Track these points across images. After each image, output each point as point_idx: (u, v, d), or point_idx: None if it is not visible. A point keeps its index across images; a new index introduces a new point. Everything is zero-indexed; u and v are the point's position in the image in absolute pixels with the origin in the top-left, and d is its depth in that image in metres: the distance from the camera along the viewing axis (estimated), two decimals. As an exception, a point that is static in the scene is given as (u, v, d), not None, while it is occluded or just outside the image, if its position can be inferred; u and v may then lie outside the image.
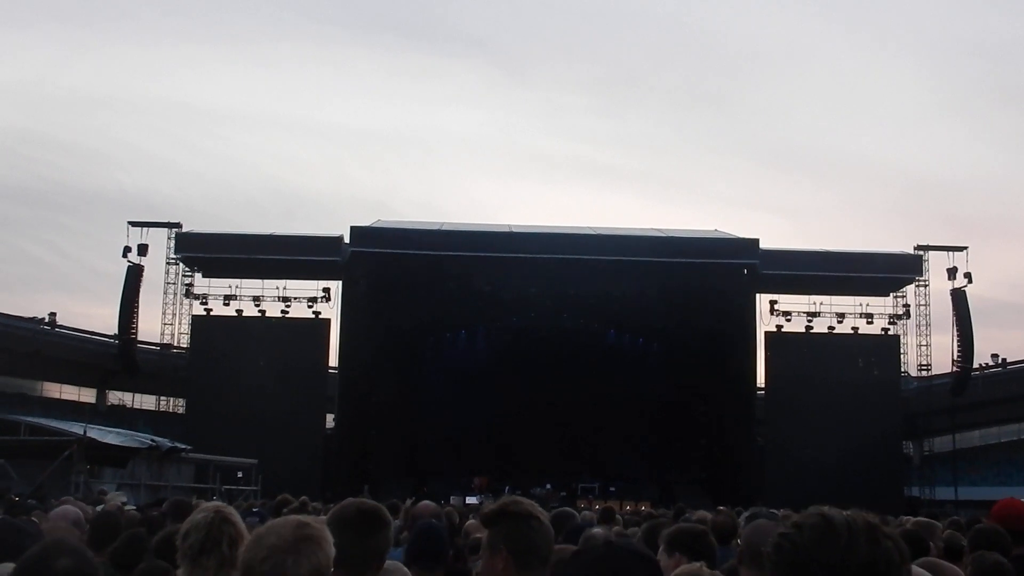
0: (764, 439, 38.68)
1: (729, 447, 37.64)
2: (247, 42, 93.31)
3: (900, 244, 44.88)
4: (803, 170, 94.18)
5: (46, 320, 42.39)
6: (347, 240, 37.26)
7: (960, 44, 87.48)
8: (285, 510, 7.02)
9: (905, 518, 11.38)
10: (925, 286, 40.29)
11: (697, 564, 4.32)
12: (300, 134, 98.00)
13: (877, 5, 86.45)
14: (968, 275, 38.76)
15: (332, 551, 2.73)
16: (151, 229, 38.80)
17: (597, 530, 5.39)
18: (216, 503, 4.44)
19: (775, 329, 39.32)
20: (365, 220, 39.84)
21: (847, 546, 1.94)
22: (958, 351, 39.16)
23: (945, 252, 39.45)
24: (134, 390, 45.10)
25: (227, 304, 38.85)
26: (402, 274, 36.94)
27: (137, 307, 38.70)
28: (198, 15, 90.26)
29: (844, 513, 2.03)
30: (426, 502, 8.79)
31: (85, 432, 22.88)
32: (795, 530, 2.02)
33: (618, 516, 12.33)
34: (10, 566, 3.31)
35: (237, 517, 4.16)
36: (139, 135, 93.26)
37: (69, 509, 5.63)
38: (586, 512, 13.63)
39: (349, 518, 3.35)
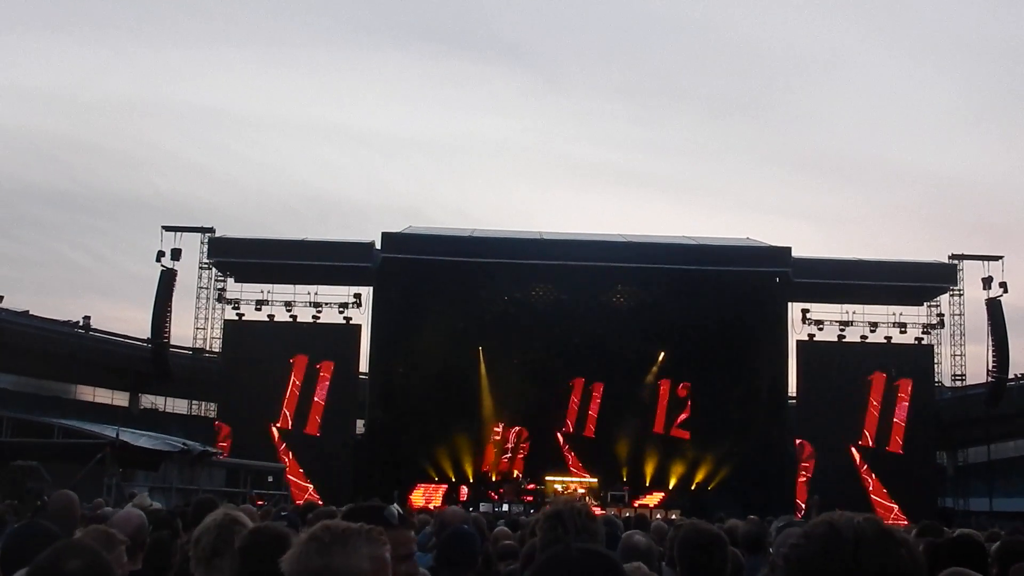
0: (795, 448, 38.49)
1: (761, 456, 37.40)
2: (283, 48, 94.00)
3: (935, 253, 44.41)
4: (836, 178, 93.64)
5: (80, 324, 42.76)
6: (379, 246, 37.39)
7: (996, 49, 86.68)
8: (310, 515, 7.04)
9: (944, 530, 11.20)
10: (960, 295, 39.88)
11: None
12: (334, 139, 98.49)
13: (912, 11, 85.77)
14: (1004, 284, 38.33)
15: (361, 563, 2.66)
16: (184, 234, 39.05)
17: (638, 536, 5.35)
18: (225, 507, 4.39)
19: (807, 338, 39.06)
20: (398, 226, 40.03)
21: (855, 555, 1.89)
22: (993, 361, 38.71)
23: (980, 261, 39.04)
24: (167, 394, 45.40)
25: (259, 309, 39.05)
26: (433, 280, 37.01)
27: (170, 311, 38.89)
28: (234, 21, 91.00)
29: (856, 520, 1.97)
30: (454, 508, 8.79)
31: (118, 435, 23.05)
32: (804, 540, 1.98)
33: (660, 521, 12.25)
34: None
35: (246, 519, 4.15)
36: (174, 140, 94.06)
37: (133, 513, 5.63)
38: (616, 520, 13.57)
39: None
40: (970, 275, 39.28)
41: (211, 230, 39.40)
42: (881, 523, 1.97)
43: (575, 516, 3.61)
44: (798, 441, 38.35)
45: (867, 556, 1.89)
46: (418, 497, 36.92)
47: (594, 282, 38.05)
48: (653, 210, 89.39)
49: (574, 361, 39.66)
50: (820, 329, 39.15)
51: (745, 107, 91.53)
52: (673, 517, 25.79)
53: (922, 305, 39.82)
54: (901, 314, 39.39)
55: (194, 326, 40.39)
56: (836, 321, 39.16)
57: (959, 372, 40.41)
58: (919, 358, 39.18)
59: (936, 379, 39.55)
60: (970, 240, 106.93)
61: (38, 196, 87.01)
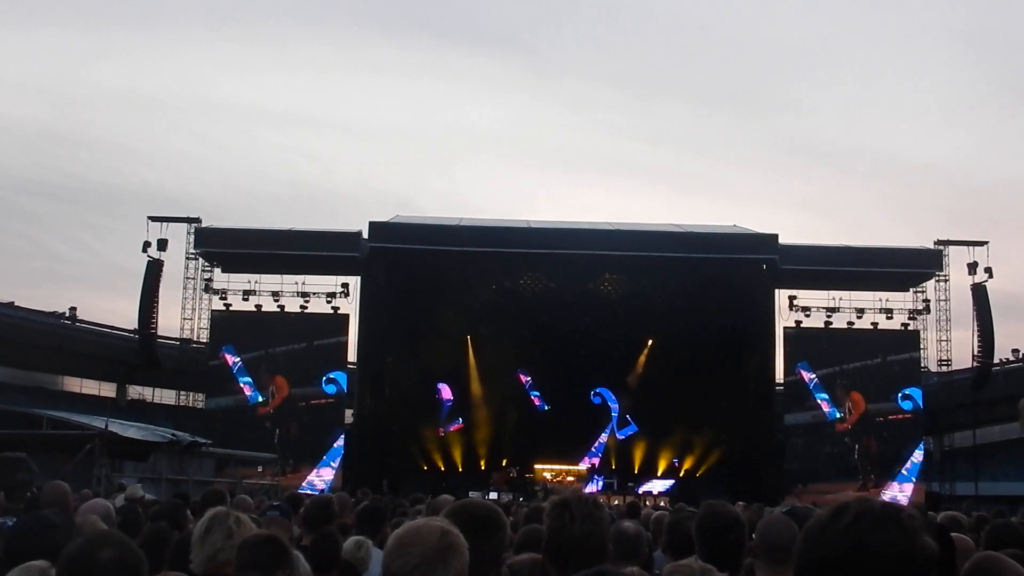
0: (783, 434, 38.68)
1: (748, 443, 37.57)
2: (268, 38, 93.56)
3: (920, 239, 44.48)
4: (823, 165, 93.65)
5: (67, 315, 42.62)
6: (366, 236, 37.31)
7: (982, 38, 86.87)
8: (308, 502, 7.12)
9: (929, 514, 11.31)
10: (945, 281, 40.03)
11: (691, 558, 4.33)
12: (320, 129, 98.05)
13: (900, 0, 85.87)
14: (988, 270, 38.53)
15: (468, 557, 2.85)
16: (171, 224, 38.94)
17: (628, 523, 5.39)
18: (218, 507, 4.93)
19: (794, 325, 39.19)
20: (386, 216, 39.92)
21: (855, 530, 1.93)
22: (978, 346, 38.93)
23: (965, 247, 39.22)
24: (154, 384, 45.29)
25: (246, 299, 38.96)
26: (421, 270, 37.00)
27: (157, 302, 38.80)
28: (221, 12, 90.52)
29: (867, 501, 2.01)
30: (446, 496, 8.83)
31: (107, 426, 23.01)
32: (816, 517, 2.03)
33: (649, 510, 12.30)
34: (42, 564, 3.33)
35: (241, 514, 4.72)
36: (160, 130, 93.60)
37: (98, 502, 5.68)
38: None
39: (460, 522, 3.35)
40: (955, 261, 39.50)
41: (197, 220, 39.29)
42: (893, 507, 1.99)
43: (581, 505, 3.64)
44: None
45: (869, 533, 1.92)
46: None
47: (582, 270, 38.10)
48: (641, 198, 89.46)
49: (562, 349, 39.71)
50: (807, 316, 39.25)
51: (732, 95, 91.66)
52: (662, 504, 25.93)
53: (908, 291, 39.96)
54: (887, 300, 39.54)
55: (181, 316, 40.35)
56: (823, 308, 39.25)
57: (945, 357, 40.63)
58: (905, 344, 39.34)
59: (922, 364, 39.73)
60: (955, 226, 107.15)
61: (23, 187, 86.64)
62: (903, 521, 1.94)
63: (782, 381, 39.18)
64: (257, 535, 4.26)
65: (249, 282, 38.94)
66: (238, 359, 38.01)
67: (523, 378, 40.84)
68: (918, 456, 38.32)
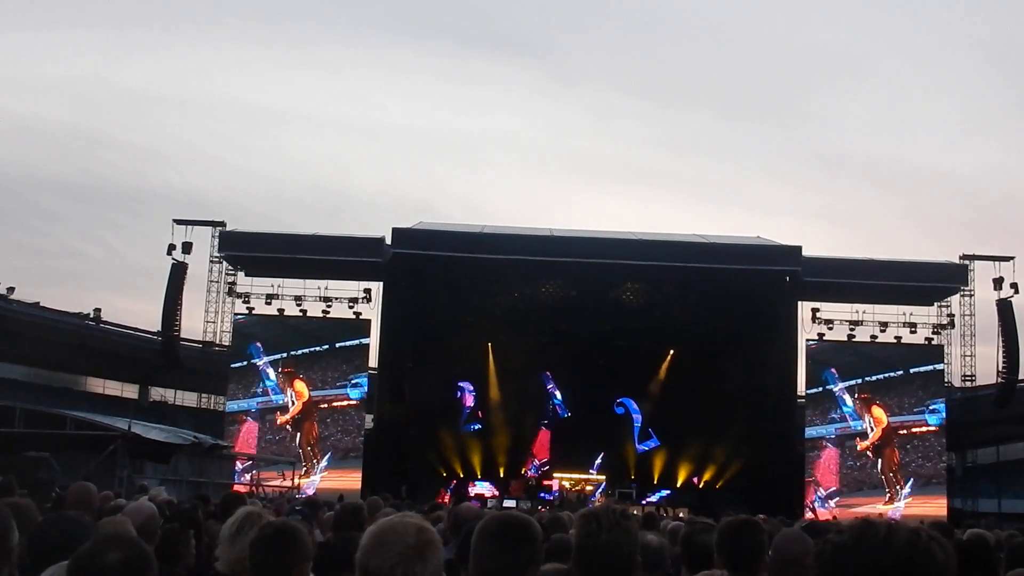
0: (803, 448, 38.45)
1: (769, 455, 37.38)
2: (295, 42, 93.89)
3: (946, 253, 44.12)
4: (848, 177, 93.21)
5: (91, 315, 42.87)
6: (389, 241, 37.40)
7: (1011, 50, 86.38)
8: (338, 506, 7.14)
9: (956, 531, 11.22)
10: (970, 296, 39.82)
11: (719, 572, 4.32)
12: (346, 134, 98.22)
13: (927, 11, 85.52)
14: (1015, 285, 38.27)
15: (443, 553, 2.88)
16: (196, 227, 39.14)
17: (651, 536, 5.36)
18: (250, 507, 4.83)
19: (817, 337, 38.97)
20: (409, 221, 39.99)
21: (885, 544, 1.96)
22: (1003, 362, 38.64)
23: (991, 262, 38.96)
24: (176, 387, 45.49)
25: (269, 303, 39.04)
26: (444, 276, 37.05)
27: (181, 304, 38.97)
28: (248, 15, 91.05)
29: (891, 519, 2.05)
30: (468, 504, 8.83)
31: (130, 427, 23.15)
32: (838, 534, 2.07)
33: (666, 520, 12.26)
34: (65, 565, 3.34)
35: (267, 513, 4.58)
36: (186, 133, 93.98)
37: (144, 505, 5.71)
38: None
39: (494, 530, 3.36)
40: (981, 276, 39.26)
41: (222, 224, 39.50)
42: (916, 525, 2.03)
43: (610, 514, 3.64)
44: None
45: (895, 545, 1.95)
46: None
47: (604, 279, 38.06)
48: (664, 207, 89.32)
49: (583, 357, 39.66)
50: (830, 328, 39.00)
51: (758, 106, 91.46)
52: (681, 515, 25.82)
53: (932, 305, 39.69)
54: (911, 314, 39.23)
55: (204, 319, 40.64)
56: (846, 320, 39.02)
57: (969, 373, 40.40)
58: (929, 358, 39.08)
59: (946, 380, 39.46)
60: (981, 240, 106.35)
61: (50, 187, 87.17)
62: (934, 537, 1.98)
63: (803, 394, 38.99)
64: (267, 528, 4.14)
65: (272, 286, 39.02)
66: (262, 361, 38.09)
67: (548, 385, 40.80)
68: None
